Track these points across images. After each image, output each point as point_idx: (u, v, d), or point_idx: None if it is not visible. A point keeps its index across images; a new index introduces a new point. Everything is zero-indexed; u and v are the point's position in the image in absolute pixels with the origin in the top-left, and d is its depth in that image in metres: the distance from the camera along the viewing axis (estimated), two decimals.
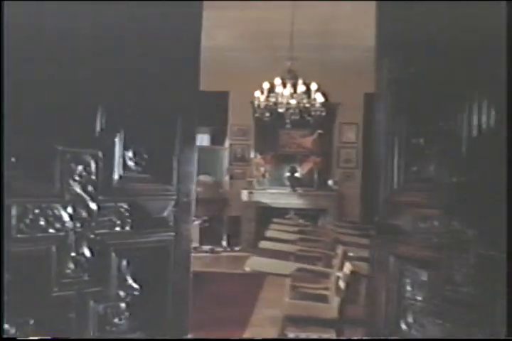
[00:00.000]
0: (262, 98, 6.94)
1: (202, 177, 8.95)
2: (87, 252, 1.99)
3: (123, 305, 2.12)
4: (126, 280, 2.12)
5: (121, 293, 2.12)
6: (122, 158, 2.09)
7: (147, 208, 2.14)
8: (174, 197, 2.23)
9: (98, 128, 2.03)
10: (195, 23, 2.31)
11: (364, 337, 3.67)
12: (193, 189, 2.28)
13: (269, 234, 6.26)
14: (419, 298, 2.30)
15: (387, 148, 2.52)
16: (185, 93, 2.29)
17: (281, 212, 8.71)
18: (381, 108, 2.55)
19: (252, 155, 9.32)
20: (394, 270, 2.46)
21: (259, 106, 7.03)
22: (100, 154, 2.03)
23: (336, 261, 4.80)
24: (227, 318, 4.87)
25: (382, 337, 3.85)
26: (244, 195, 9.07)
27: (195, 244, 8.61)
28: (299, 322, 3.95)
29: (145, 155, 2.14)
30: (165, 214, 2.19)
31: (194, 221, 8.61)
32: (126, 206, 2.08)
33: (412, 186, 2.42)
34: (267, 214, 8.59)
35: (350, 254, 4.62)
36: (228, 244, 9.02)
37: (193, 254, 8.36)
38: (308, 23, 6.18)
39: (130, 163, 2.10)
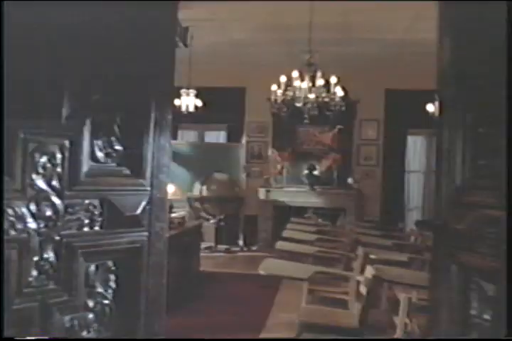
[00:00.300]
0: (279, 92, 6.66)
1: (217, 175, 8.75)
2: (52, 256, 1.74)
3: (92, 315, 1.88)
4: (95, 287, 1.88)
5: (90, 302, 1.87)
6: (91, 148, 1.83)
7: (119, 205, 1.88)
8: (148, 193, 1.97)
9: (65, 114, 1.76)
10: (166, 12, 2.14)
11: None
12: (167, 183, 2.03)
13: (286, 234, 6.00)
14: (485, 317, 1.95)
15: (449, 140, 2.21)
16: (160, 79, 2.08)
17: (299, 211, 8.52)
18: (447, 98, 2.27)
19: (269, 152, 9.09)
20: (456, 281, 2.13)
21: (276, 100, 6.74)
22: (67, 143, 1.77)
23: (356, 264, 4.57)
24: (240, 323, 4.66)
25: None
26: (261, 193, 8.87)
27: (210, 244, 8.41)
28: (316, 329, 3.71)
29: (116, 145, 1.89)
30: (138, 211, 1.93)
31: (210, 220, 8.45)
32: (95, 203, 1.83)
33: (478, 183, 2.08)
34: (285, 213, 8.40)
35: (372, 256, 4.40)
36: (245, 243, 8.82)
37: (208, 254, 8.20)
38: (327, 16, 5.92)
39: (100, 154, 1.85)
